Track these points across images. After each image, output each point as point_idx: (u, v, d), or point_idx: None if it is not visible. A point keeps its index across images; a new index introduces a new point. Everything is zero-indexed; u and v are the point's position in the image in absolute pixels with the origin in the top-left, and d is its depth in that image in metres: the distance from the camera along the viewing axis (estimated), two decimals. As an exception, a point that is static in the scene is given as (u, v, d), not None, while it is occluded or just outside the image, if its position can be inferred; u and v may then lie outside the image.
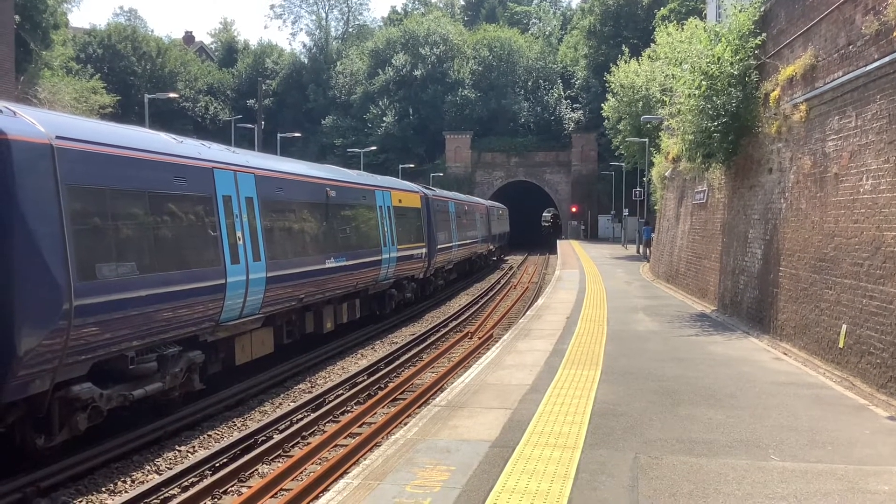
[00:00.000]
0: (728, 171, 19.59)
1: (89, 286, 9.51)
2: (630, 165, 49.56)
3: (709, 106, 17.48)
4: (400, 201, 24.89)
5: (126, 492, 9.30)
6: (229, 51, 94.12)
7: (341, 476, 9.06)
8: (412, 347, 19.10)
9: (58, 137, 9.34)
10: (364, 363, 17.13)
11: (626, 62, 44.59)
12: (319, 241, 17.61)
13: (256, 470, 10.15)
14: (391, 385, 14.69)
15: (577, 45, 79.30)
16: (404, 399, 13.55)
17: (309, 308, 17.26)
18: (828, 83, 12.91)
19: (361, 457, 10.12)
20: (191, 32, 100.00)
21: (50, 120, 9.76)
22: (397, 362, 17.02)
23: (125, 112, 55.57)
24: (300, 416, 12.62)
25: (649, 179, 39.25)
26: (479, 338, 19.86)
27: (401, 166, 65.91)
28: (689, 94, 18.06)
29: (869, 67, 11.24)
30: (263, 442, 11.13)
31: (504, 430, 8.86)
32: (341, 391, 14.42)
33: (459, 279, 37.35)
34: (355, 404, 13.59)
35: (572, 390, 10.83)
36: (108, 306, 9.87)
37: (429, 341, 20.14)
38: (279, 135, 55.31)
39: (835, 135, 12.65)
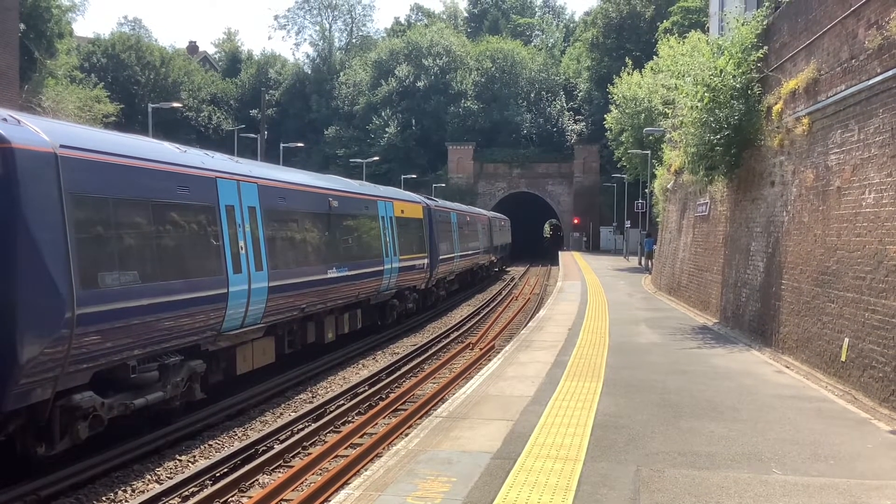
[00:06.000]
0: (730, 183, 19.61)
1: (92, 295, 9.52)
2: (632, 177, 49.69)
3: (711, 118, 17.51)
4: (402, 212, 24.91)
5: (126, 501, 9.30)
6: (233, 61, 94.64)
7: (342, 487, 9.05)
8: (413, 358, 19.08)
9: (62, 146, 9.37)
10: (365, 373, 17.11)
11: (628, 74, 44.79)
12: (322, 251, 17.62)
13: (257, 480, 10.12)
14: (392, 395, 14.67)
15: (580, 57, 79.70)
16: (405, 410, 13.52)
17: (310, 318, 17.25)
18: (830, 97, 12.94)
19: (362, 467, 10.09)
20: (195, 42, 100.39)
21: (54, 129, 9.78)
22: (398, 373, 16.99)
23: (129, 121, 55.83)
24: (301, 426, 12.59)
25: (651, 191, 39.33)
26: (481, 349, 19.84)
27: (403, 177, 66.11)
28: (692, 107, 18.09)
29: (871, 81, 11.27)
30: (264, 452, 11.10)
31: (506, 442, 8.84)
32: (342, 401, 14.39)
33: (461, 290, 37.33)
34: (356, 415, 13.56)
35: (574, 402, 10.82)
36: (111, 315, 9.87)
37: (430, 352, 20.11)
38: (282, 145, 55.45)
39: (837, 148, 12.66)
